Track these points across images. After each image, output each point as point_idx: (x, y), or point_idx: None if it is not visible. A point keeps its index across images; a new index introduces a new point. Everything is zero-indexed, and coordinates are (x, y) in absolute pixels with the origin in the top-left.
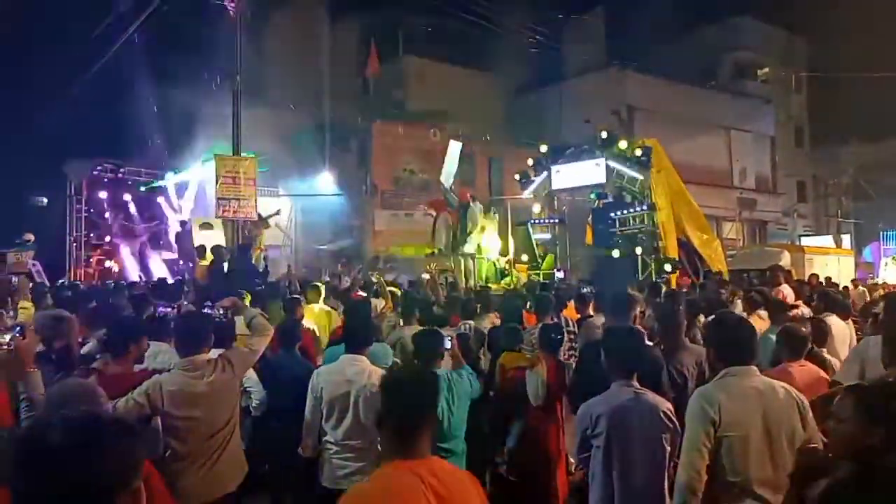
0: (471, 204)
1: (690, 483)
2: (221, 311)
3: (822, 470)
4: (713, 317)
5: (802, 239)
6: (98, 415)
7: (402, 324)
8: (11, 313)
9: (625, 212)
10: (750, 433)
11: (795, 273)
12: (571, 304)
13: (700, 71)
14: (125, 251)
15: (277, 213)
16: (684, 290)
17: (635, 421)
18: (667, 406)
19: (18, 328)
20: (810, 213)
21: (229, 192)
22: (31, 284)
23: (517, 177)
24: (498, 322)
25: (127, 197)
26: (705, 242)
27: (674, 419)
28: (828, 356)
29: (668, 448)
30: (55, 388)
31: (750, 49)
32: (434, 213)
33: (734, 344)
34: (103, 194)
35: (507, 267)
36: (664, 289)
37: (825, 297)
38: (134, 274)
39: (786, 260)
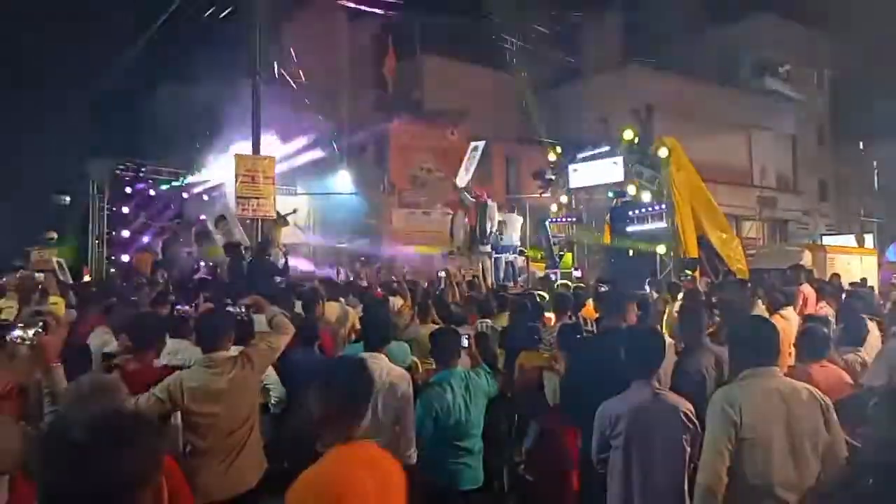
0: (488, 203)
1: (711, 485)
2: (243, 309)
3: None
4: (735, 317)
5: (824, 238)
6: (119, 411)
7: (417, 322)
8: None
9: (643, 211)
10: (772, 435)
11: (817, 273)
12: (590, 303)
13: (720, 69)
14: (146, 249)
15: (294, 211)
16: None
17: (655, 421)
18: (687, 406)
19: (41, 323)
20: (832, 212)
21: (248, 191)
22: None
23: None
24: None
25: (149, 195)
26: (725, 242)
27: (694, 420)
28: (858, 356)
29: (689, 449)
30: (77, 384)
31: (771, 47)
32: (452, 212)
33: (756, 344)
34: (125, 192)
35: (524, 265)
36: (683, 289)
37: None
38: (154, 272)
39: (807, 259)
